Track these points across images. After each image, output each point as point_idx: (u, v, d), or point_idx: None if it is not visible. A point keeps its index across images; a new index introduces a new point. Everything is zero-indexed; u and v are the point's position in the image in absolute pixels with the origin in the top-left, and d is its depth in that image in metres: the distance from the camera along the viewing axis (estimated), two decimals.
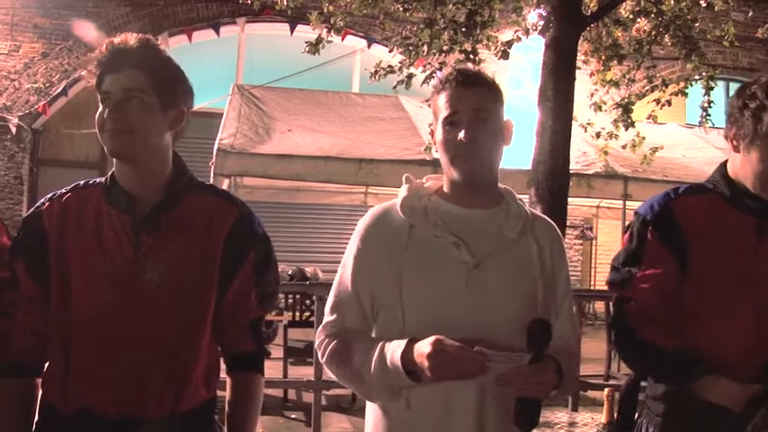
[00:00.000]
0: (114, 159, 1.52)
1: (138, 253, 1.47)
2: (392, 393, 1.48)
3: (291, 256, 9.44)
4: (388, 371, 1.42)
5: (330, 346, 1.54)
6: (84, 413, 1.43)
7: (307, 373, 4.89)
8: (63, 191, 1.56)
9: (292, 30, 10.09)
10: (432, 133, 1.58)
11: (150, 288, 1.45)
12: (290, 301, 6.66)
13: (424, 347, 1.37)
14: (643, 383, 1.69)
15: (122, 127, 1.45)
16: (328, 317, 1.58)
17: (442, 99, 1.52)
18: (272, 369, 6.48)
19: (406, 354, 1.40)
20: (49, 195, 1.57)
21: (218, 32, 10.50)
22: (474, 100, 1.49)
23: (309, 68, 7.34)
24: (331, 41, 5.77)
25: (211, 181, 6.18)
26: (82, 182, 1.59)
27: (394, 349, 1.42)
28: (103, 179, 1.56)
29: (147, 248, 1.47)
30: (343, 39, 9.82)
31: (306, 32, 6.53)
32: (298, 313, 6.43)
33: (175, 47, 10.32)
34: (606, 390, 2.09)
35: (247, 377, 1.62)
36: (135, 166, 1.51)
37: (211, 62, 10.55)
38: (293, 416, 5.15)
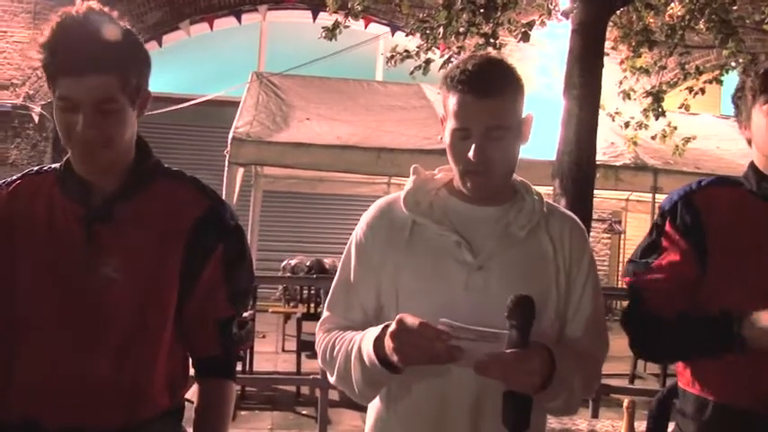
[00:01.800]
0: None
1: (90, 246, 1.32)
2: (376, 390, 1.36)
3: (312, 247, 9.34)
4: (366, 366, 1.29)
5: (322, 346, 1.42)
6: (27, 423, 1.29)
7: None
8: (13, 177, 1.42)
9: (315, 17, 9.95)
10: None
11: (103, 284, 1.31)
12: (305, 293, 6.53)
13: (390, 327, 1.23)
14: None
15: (99, 141, 1.29)
16: (325, 314, 1.47)
17: (452, 103, 1.34)
18: (286, 363, 6.39)
19: (380, 340, 1.26)
20: None
21: (239, 20, 10.39)
22: (487, 118, 1.31)
23: (330, 54, 7.17)
24: (348, 27, 5.59)
25: (226, 170, 6.07)
26: (35, 168, 1.45)
27: (370, 339, 1.29)
28: (58, 165, 1.41)
29: (100, 241, 1.32)
30: (366, 26, 9.68)
31: (328, 20, 6.38)
32: (313, 305, 6.28)
33: (197, 35, 10.25)
34: (626, 401, 1.89)
35: (215, 384, 1.47)
36: None
37: (233, 50, 10.47)
38: (304, 412, 5.03)
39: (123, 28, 1.32)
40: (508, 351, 1.17)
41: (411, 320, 1.21)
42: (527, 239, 1.38)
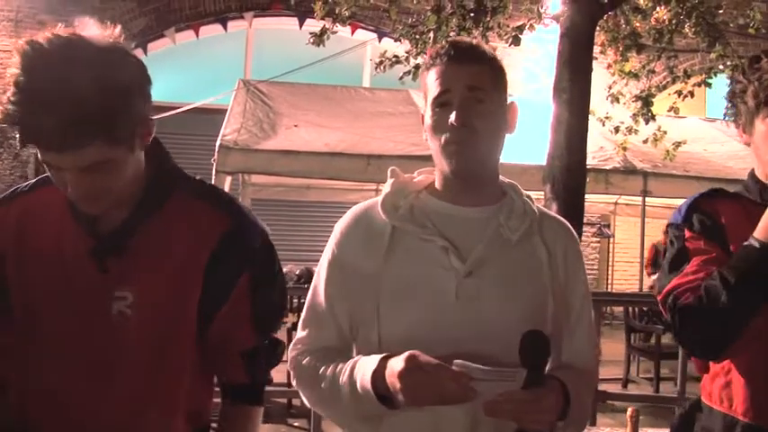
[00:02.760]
0: None
1: (103, 280, 1.22)
2: (366, 424, 1.25)
3: (300, 256, 9.26)
4: (360, 397, 1.18)
5: (299, 367, 1.30)
6: None
7: None
8: (25, 188, 1.30)
9: (301, 24, 9.89)
10: (422, 118, 1.33)
11: (117, 321, 1.22)
12: (296, 302, 6.44)
13: (396, 365, 1.13)
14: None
15: (95, 194, 1.17)
16: (300, 333, 1.35)
17: (432, 76, 1.28)
18: (277, 372, 6.28)
19: (379, 373, 1.16)
20: (2, 196, 1.31)
21: (225, 27, 10.31)
22: (468, 77, 1.25)
23: (317, 61, 7.13)
24: (336, 32, 5.56)
25: (213, 179, 5.99)
26: (40, 178, 1.30)
27: (365, 370, 1.18)
28: None
29: (113, 274, 1.23)
30: (353, 32, 9.65)
31: (315, 26, 6.35)
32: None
33: (182, 42, 10.17)
34: (629, 409, 1.85)
35: (241, 410, 1.39)
36: None
37: (219, 58, 10.39)
38: (296, 424, 4.95)
39: (108, 60, 1.11)
40: (521, 391, 1.10)
41: (425, 360, 1.11)
42: (520, 243, 1.30)
